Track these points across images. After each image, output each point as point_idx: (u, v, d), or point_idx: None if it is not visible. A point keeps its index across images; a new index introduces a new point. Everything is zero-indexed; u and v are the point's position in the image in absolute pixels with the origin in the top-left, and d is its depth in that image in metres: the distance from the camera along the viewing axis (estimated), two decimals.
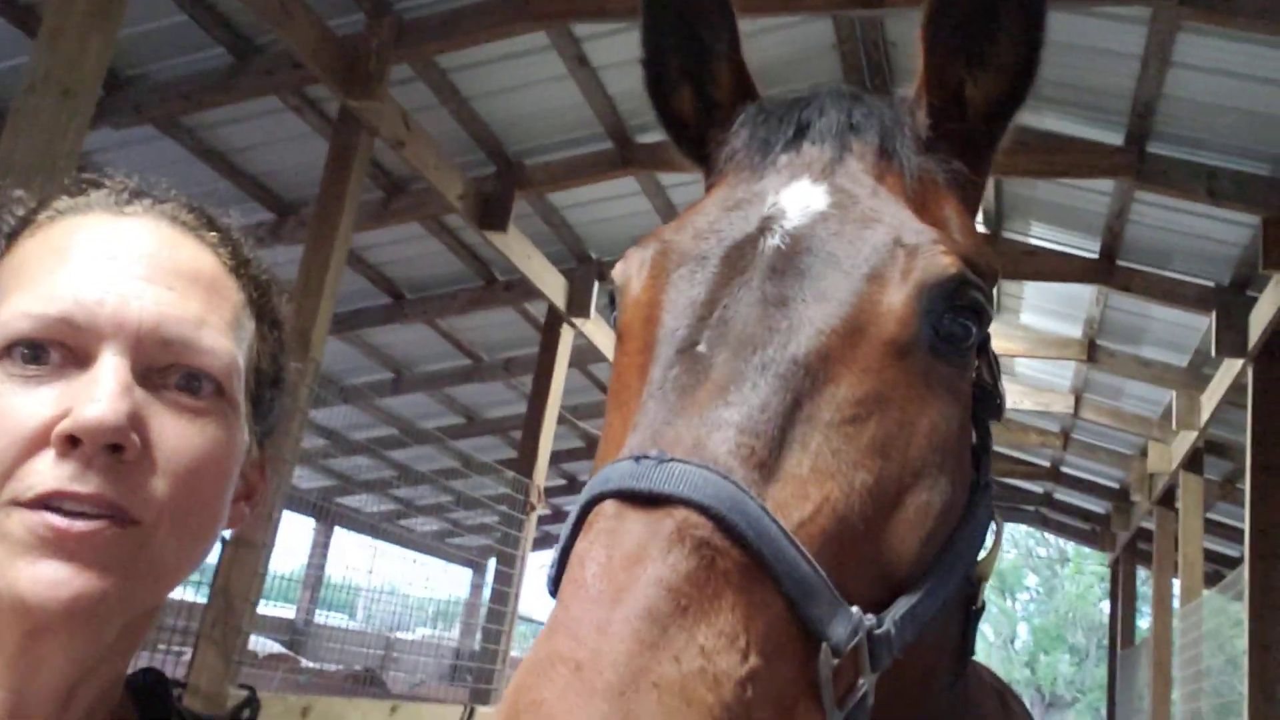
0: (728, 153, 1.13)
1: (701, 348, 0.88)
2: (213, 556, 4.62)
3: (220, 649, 4.44)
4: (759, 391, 0.83)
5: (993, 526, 1.04)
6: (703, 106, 1.22)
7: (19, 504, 0.77)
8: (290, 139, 6.55)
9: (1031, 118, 5.87)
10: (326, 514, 15.84)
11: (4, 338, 0.81)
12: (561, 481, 14.87)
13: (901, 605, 0.84)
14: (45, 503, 0.77)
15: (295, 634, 14.62)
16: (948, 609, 0.94)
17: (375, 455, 13.11)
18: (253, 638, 7.54)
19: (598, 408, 10.80)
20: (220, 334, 0.88)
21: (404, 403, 11.56)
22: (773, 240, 0.95)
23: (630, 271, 1.03)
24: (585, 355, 9.10)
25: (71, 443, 0.77)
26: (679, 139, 1.25)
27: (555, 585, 0.80)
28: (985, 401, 1.04)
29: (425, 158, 5.98)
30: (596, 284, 7.98)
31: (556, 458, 9.64)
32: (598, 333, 8.35)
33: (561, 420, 8.37)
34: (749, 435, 0.80)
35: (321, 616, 16.62)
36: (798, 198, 0.99)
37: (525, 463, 7.65)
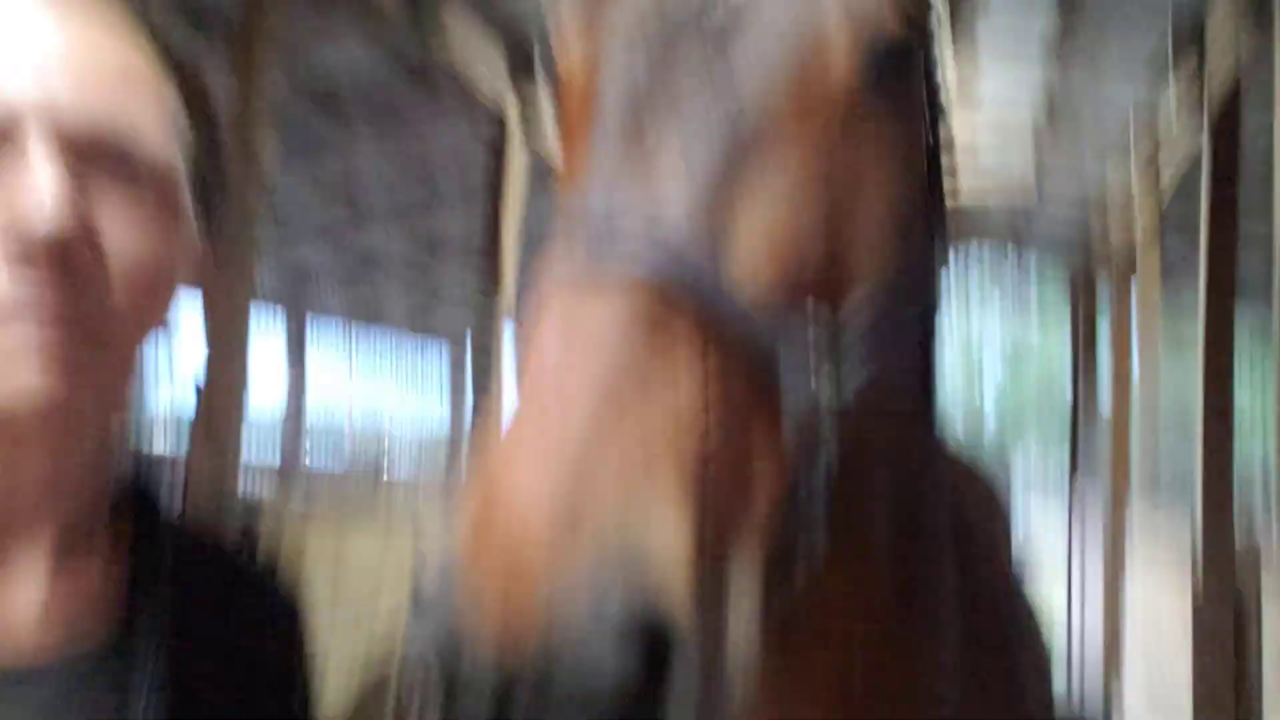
0: None
1: (644, 113, 0.87)
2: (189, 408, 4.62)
3: (212, 488, 4.51)
4: (708, 155, 0.83)
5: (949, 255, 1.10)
6: None
7: None
8: None
9: None
10: (299, 350, 15.82)
11: None
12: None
13: (857, 333, 0.87)
14: (5, 315, 0.77)
15: (283, 478, 14.88)
16: (906, 339, 0.98)
17: (339, 286, 13.00)
18: (241, 482, 7.68)
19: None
20: (152, 128, 0.87)
21: (364, 237, 11.36)
22: (712, 5, 0.92)
23: (565, 45, 1.00)
24: (542, 172, 8.91)
25: (21, 257, 0.77)
26: None
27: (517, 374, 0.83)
28: (933, 108, 1.07)
29: None
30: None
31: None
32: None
33: (522, 242, 8.27)
34: (699, 202, 0.81)
35: (308, 461, 16.91)
36: None
37: (490, 288, 7.60)
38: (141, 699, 0.82)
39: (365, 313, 14.58)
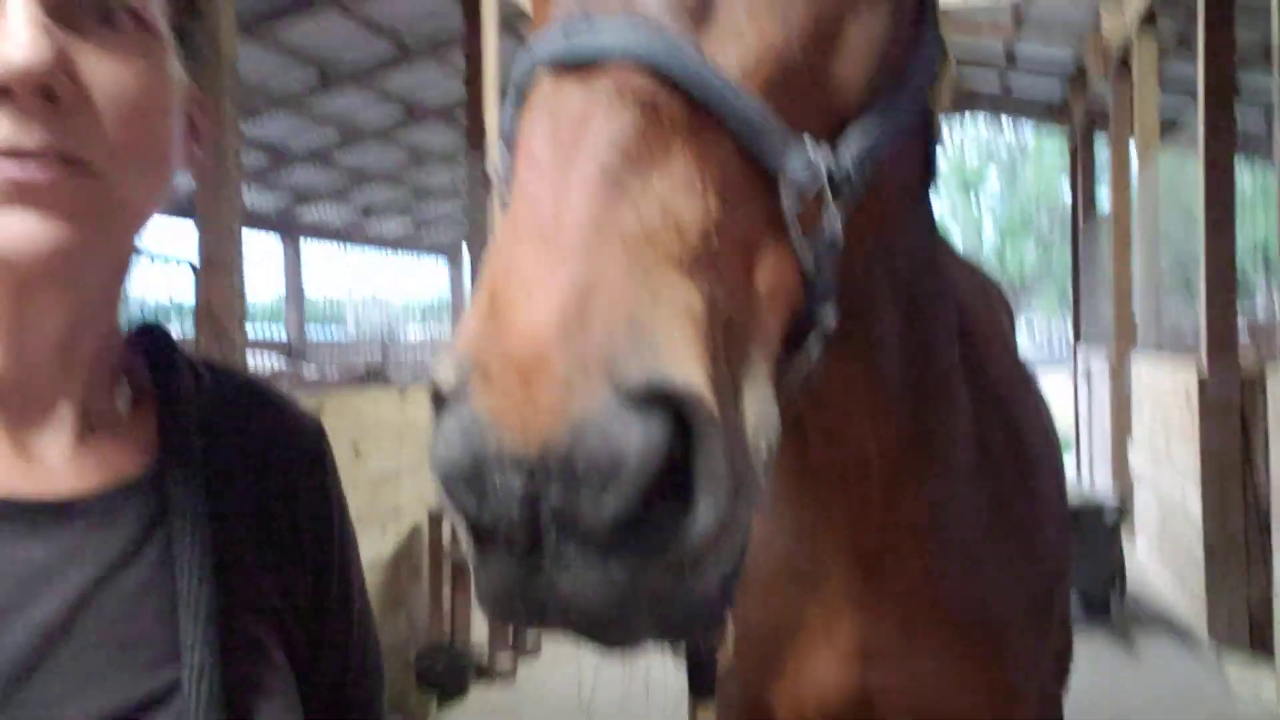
0: None
1: None
2: (188, 292, 4.59)
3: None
4: None
5: (940, 51, 1.02)
6: None
7: None
8: None
9: None
10: (291, 228, 15.75)
11: None
12: None
13: (854, 135, 0.84)
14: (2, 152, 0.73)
15: (291, 354, 15.02)
16: (903, 139, 0.94)
17: (324, 161, 12.82)
18: (250, 359, 7.75)
19: None
20: None
21: (338, 104, 11.09)
22: None
23: None
24: (515, 19, 8.58)
25: (4, 94, 0.72)
26: None
27: (507, 175, 0.79)
28: None
29: None
30: None
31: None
32: None
33: (502, 93, 8.04)
34: None
35: (314, 334, 17.03)
36: None
37: (475, 145, 7.46)
38: (180, 530, 0.83)
39: (352, 179, 14.36)
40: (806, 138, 0.79)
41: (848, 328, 0.91)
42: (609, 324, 0.62)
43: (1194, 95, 6.17)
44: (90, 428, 0.85)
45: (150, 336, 0.97)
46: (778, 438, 0.72)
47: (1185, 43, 9.69)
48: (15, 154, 0.73)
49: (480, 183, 7.26)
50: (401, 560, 5.63)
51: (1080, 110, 12.16)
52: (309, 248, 16.54)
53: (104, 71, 0.78)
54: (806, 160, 0.78)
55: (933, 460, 1.29)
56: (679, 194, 0.69)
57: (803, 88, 0.81)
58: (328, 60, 9.96)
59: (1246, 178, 14.02)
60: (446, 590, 5.80)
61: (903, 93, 0.92)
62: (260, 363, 8.80)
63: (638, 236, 0.66)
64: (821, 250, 0.81)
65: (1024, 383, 1.68)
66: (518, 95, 0.78)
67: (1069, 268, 13.44)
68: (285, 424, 1.00)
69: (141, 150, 0.82)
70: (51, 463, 0.83)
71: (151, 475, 0.86)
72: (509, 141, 0.79)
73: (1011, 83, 13.09)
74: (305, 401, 4.85)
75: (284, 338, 16.19)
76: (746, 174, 0.75)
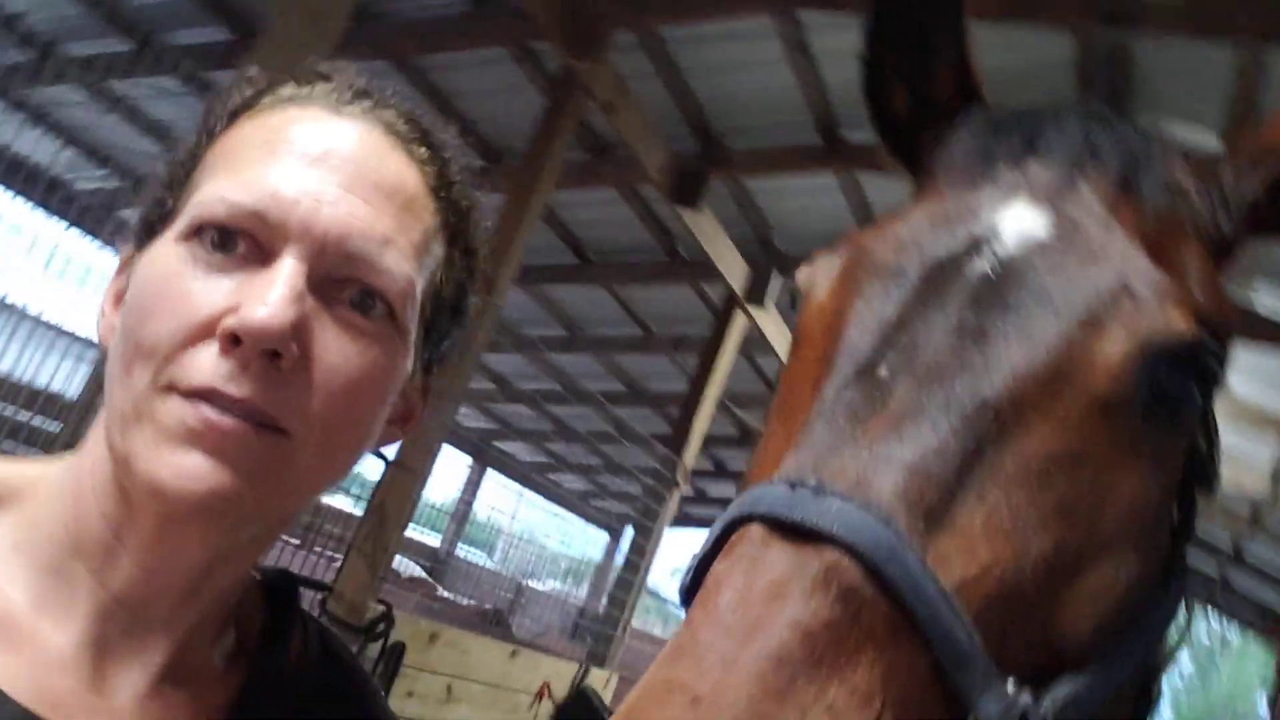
0: (943, 160, 1.03)
1: (882, 372, 0.80)
2: (375, 473, 4.88)
3: (368, 561, 4.68)
4: (939, 430, 0.74)
5: (1183, 612, 0.91)
6: (919, 107, 1.12)
7: (175, 390, 0.77)
8: (508, 90, 6.76)
9: None
10: (482, 454, 16.47)
11: (197, 219, 0.81)
12: (710, 465, 14.89)
13: (1065, 688, 0.74)
14: (199, 395, 0.76)
15: (437, 562, 15.27)
16: (1118, 697, 0.83)
17: (536, 406, 13.51)
18: (398, 558, 7.95)
19: (757, 398, 10.74)
20: (405, 256, 0.85)
21: (571, 361, 11.81)
22: (981, 265, 0.85)
23: (818, 275, 0.95)
24: (754, 344, 9.03)
25: (233, 341, 0.76)
26: (890, 139, 1.16)
27: (685, 597, 0.76)
28: (1197, 473, 0.92)
29: (633, 126, 6.05)
30: (776, 275, 7.91)
31: (709, 442, 9.64)
32: (769, 324, 8.27)
33: (720, 406, 8.36)
34: (920, 478, 0.72)
35: (463, 551, 17.32)
36: (1017, 221, 0.89)
37: (677, 440, 7.70)
38: None
39: (554, 430, 14.99)
40: (1011, 679, 0.71)
41: None
42: None
43: None
44: (175, 678, 0.82)
45: (277, 578, 0.95)
46: None
47: None
48: (218, 398, 0.76)
49: (668, 482, 7.41)
50: None
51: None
52: (492, 475, 17.16)
53: (335, 349, 0.81)
54: (1007, 704, 0.69)
55: None
56: (852, 707, 0.63)
57: (1023, 626, 0.73)
58: (577, 323, 10.74)
59: None
60: None
61: (1131, 649, 0.81)
62: (405, 566, 8.96)
63: None
64: None
65: None
66: (716, 538, 0.74)
67: None
68: (369, 710, 0.97)
69: (339, 430, 0.82)
70: (121, 704, 0.79)
71: None
72: (698, 568, 0.75)
73: (1231, 576, 12.29)
74: (426, 626, 4.87)
75: (436, 545, 16.56)
76: (932, 700, 0.67)
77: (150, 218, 0.86)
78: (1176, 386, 0.82)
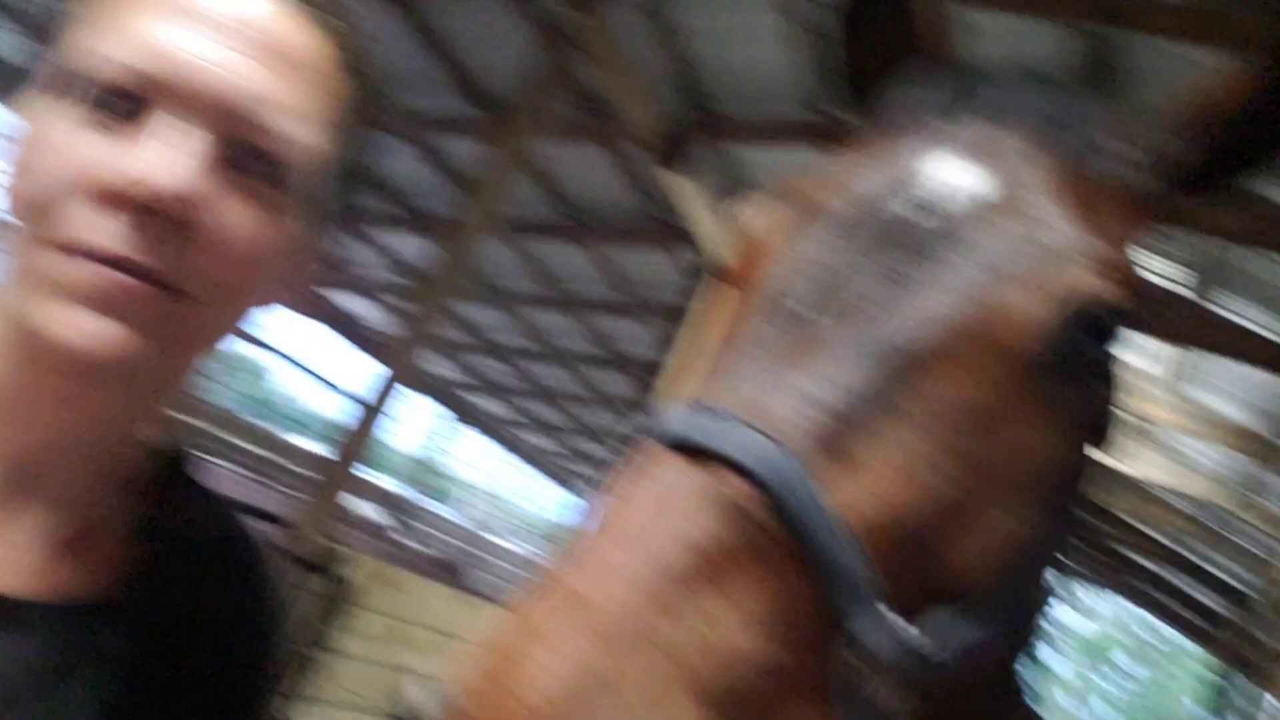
0: (898, 110, 1.05)
1: (803, 310, 0.82)
2: (337, 412, 4.84)
3: (322, 498, 4.68)
4: (850, 369, 0.77)
5: (1067, 561, 0.95)
6: (887, 58, 1.13)
7: (76, 251, 0.76)
8: (501, 37, 6.68)
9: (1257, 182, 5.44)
10: (451, 404, 16.43)
11: (89, 79, 0.79)
12: None
13: (945, 619, 0.77)
14: (106, 259, 0.76)
15: (394, 508, 15.28)
16: (1002, 644, 0.86)
17: (508, 361, 13.49)
18: (354, 499, 7.94)
19: None
20: (304, 124, 0.85)
21: (547, 319, 11.78)
22: (911, 215, 0.87)
23: (756, 216, 0.97)
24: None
25: (141, 208, 0.76)
26: (853, 86, 1.17)
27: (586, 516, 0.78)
28: (1097, 430, 0.95)
29: (625, 84, 6.00)
30: None
31: None
32: None
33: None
34: (824, 412, 0.74)
35: (423, 499, 17.34)
36: (959, 176, 0.91)
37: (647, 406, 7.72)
38: (102, 670, 0.80)
39: (527, 387, 14.99)
40: (895, 608, 0.73)
41: None
42: None
43: None
44: (69, 533, 0.84)
45: (172, 461, 0.96)
46: None
47: None
48: (126, 264, 0.76)
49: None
50: None
51: (1237, 645, 11.42)
52: (458, 426, 17.16)
53: (238, 216, 0.81)
54: (888, 632, 0.71)
55: None
56: (733, 621, 0.65)
57: (915, 563, 0.75)
58: (563, 282, 10.71)
59: None
60: None
61: (1019, 588, 0.85)
62: (363, 509, 8.97)
63: (669, 651, 0.62)
64: (864, 716, 0.72)
65: None
66: (630, 450, 0.77)
67: None
68: (263, 594, 0.99)
69: (239, 294, 0.85)
70: (19, 556, 0.81)
71: (104, 604, 0.84)
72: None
73: (1173, 579, 12.52)
74: (373, 564, 4.88)
75: (395, 491, 16.59)
76: (815, 624, 0.69)
77: (37, 70, 0.83)
78: (1089, 347, 0.85)
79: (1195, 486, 8.97)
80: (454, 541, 11.34)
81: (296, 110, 0.84)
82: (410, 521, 12.73)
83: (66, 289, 0.76)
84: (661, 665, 0.62)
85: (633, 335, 11.66)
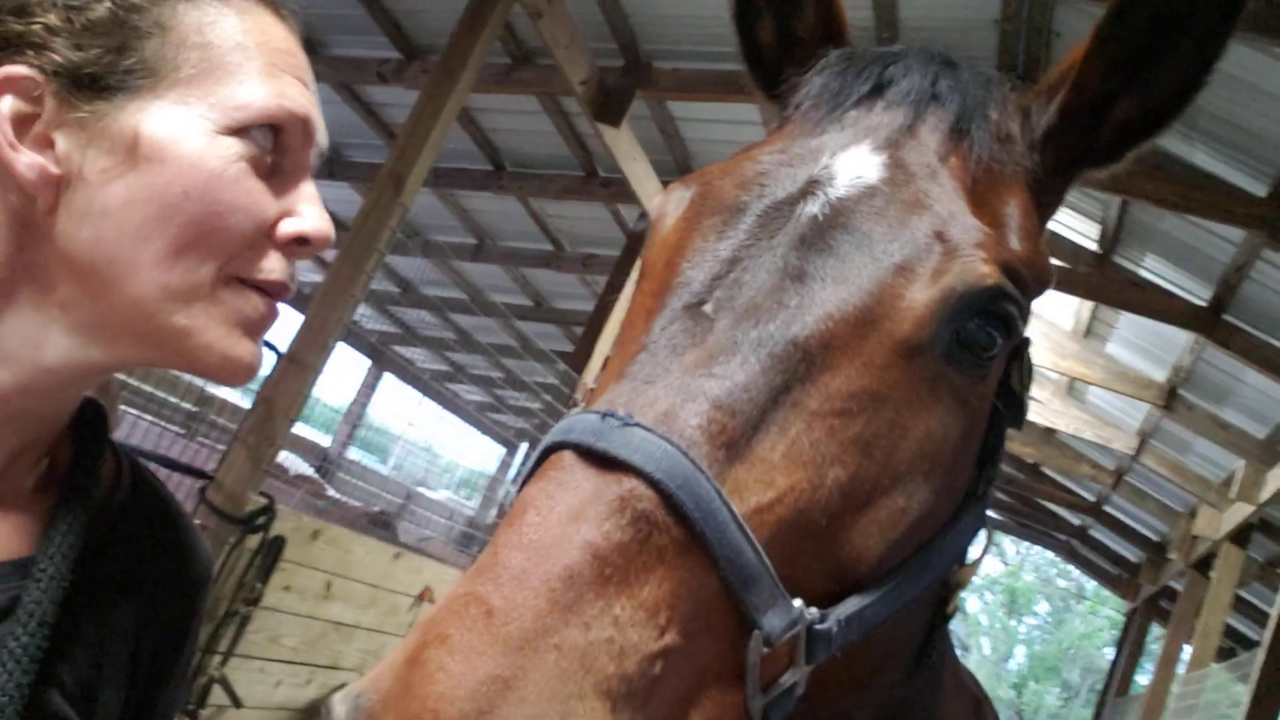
0: (797, 98, 1.08)
1: (707, 308, 0.85)
2: (266, 368, 4.77)
3: (252, 454, 4.60)
4: (748, 367, 0.80)
5: (981, 536, 1.00)
6: (785, 41, 1.16)
7: (244, 283, 0.88)
8: None
9: (1180, 148, 5.60)
10: (381, 357, 16.24)
11: (253, 117, 0.88)
12: None
13: (851, 605, 0.81)
14: (273, 290, 0.90)
15: (326, 462, 15.10)
16: (909, 612, 0.90)
17: (440, 314, 13.35)
18: (286, 455, 7.81)
19: None
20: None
21: (479, 271, 11.67)
22: (811, 207, 0.91)
23: (666, 208, 1.00)
24: None
25: (300, 244, 0.90)
26: (755, 71, 1.19)
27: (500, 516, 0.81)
28: (1009, 409, 0.99)
29: (558, 35, 5.90)
30: None
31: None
32: None
33: None
34: (724, 412, 0.78)
35: (355, 454, 17.17)
36: (851, 165, 0.94)
37: (579, 359, 7.71)
38: (18, 630, 0.82)
39: (458, 340, 14.86)
40: (797, 601, 0.77)
41: None
42: None
43: (1261, 624, 6.01)
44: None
45: (88, 418, 0.98)
46: None
47: (1271, 572, 9.56)
48: (286, 291, 0.90)
49: (566, 400, 7.43)
50: (314, 716, 5.36)
51: (1148, 588, 11.94)
52: (389, 380, 16.97)
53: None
54: (790, 618, 0.76)
55: None
56: (639, 622, 0.68)
57: (815, 548, 0.80)
58: (489, 234, 10.59)
59: None
60: None
61: (922, 570, 0.88)
62: (292, 463, 8.84)
63: (576, 652, 0.65)
64: (775, 701, 0.77)
65: None
66: (535, 464, 0.78)
67: None
68: (181, 552, 1.02)
69: None
70: None
71: (20, 564, 0.87)
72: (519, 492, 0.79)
73: (1091, 530, 13.01)
74: (309, 522, 4.84)
75: (327, 445, 16.38)
76: (720, 615, 0.73)
77: (93, 68, 0.85)
78: (979, 333, 0.89)
79: (1108, 439, 9.30)
80: (387, 496, 11.26)
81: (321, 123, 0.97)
82: (343, 476, 12.59)
83: (253, 321, 0.89)
84: (568, 668, 0.64)
85: (567, 289, 11.62)
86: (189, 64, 0.87)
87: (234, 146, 0.86)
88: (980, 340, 0.89)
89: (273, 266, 0.88)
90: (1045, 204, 1.06)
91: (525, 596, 0.65)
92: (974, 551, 0.99)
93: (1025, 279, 0.94)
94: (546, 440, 0.79)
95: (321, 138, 0.94)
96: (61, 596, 0.86)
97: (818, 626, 0.77)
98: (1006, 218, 0.97)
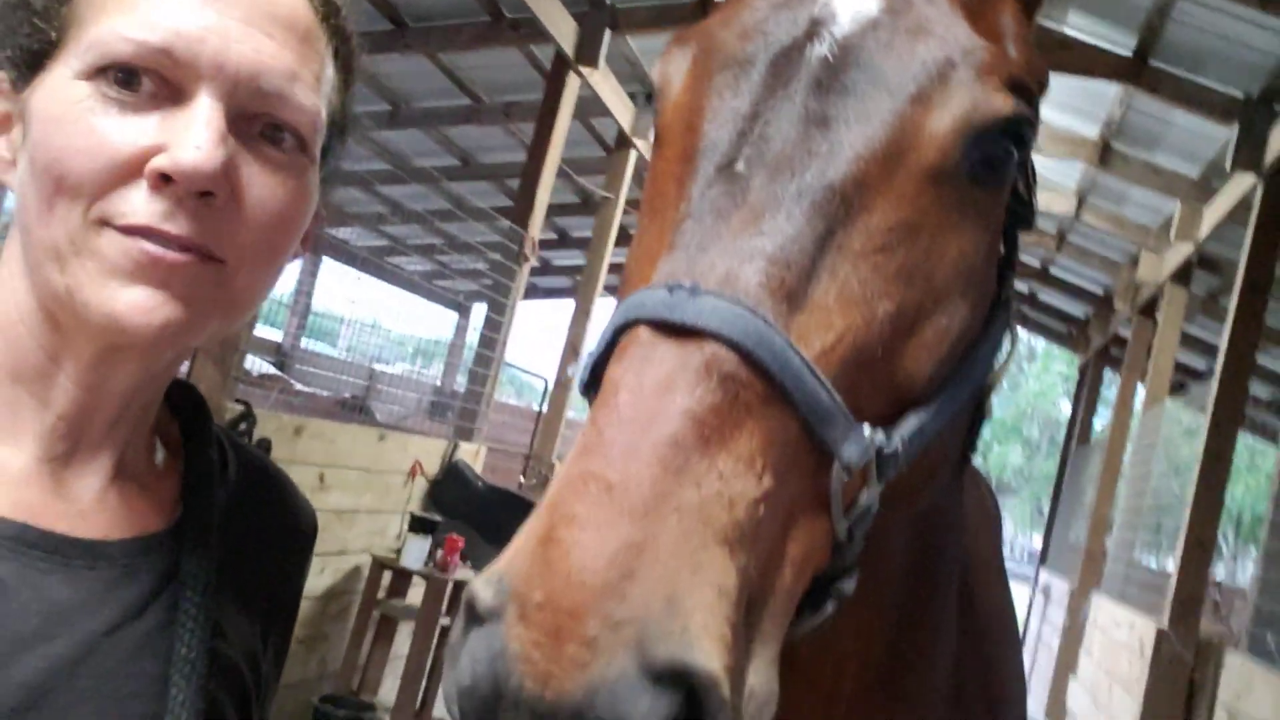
0: None
1: (740, 167, 0.87)
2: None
3: (217, 362, 4.55)
4: (793, 220, 0.84)
5: (1007, 338, 1.07)
6: None
7: (110, 226, 0.81)
8: None
9: None
10: (316, 241, 15.88)
11: (99, 58, 0.82)
12: (554, 235, 14.83)
13: (911, 423, 0.88)
14: (138, 232, 0.81)
15: (283, 357, 14.98)
16: (956, 419, 0.98)
17: (367, 188, 12.99)
18: (247, 357, 7.73)
19: (598, 163, 10.59)
20: (310, 89, 0.90)
21: (400, 138, 11.31)
22: (820, 49, 0.92)
23: (670, 71, 1.00)
24: (589, 107, 8.82)
25: (165, 181, 0.80)
26: None
27: (587, 391, 0.86)
28: (1018, 213, 1.05)
29: None
30: (609, 33, 7.63)
31: (551, 211, 9.52)
32: (604, 85, 8.06)
33: (560, 173, 8.21)
34: (780, 266, 0.82)
35: (307, 343, 17.01)
36: (850, 1, 0.95)
37: (520, 212, 7.59)
38: (187, 595, 0.87)
39: (391, 211, 14.54)
40: (865, 427, 0.83)
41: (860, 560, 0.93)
42: (649, 594, 0.66)
43: (1210, 356, 6.32)
44: (124, 478, 0.90)
45: (185, 397, 1.02)
46: (775, 707, 0.75)
47: (1214, 305, 9.97)
48: (158, 235, 0.81)
49: (516, 256, 7.36)
50: (331, 600, 5.52)
51: (1098, 339, 12.41)
52: (328, 264, 16.63)
53: (259, 184, 0.86)
54: (863, 445, 0.82)
55: (907, 691, 1.28)
56: (740, 473, 0.73)
57: (874, 376, 0.85)
58: (402, 97, 10.21)
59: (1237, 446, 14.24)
60: (367, 641, 5.67)
61: (965, 381, 0.95)
62: (255, 365, 8.76)
63: (694, 510, 0.70)
64: (856, 520, 0.85)
65: (1007, 616, 1.68)
66: (609, 341, 0.82)
67: (1049, 483, 13.54)
68: (289, 509, 1.09)
69: (269, 255, 0.90)
70: (84, 505, 0.87)
71: (170, 534, 0.90)
72: (594, 368, 0.84)
73: (1039, 295, 13.39)
74: (290, 420, 4.84)
75: (279, 340, 16.20)
76: (804, 454, 0.79)
77: (30, 47, 0.86)
78: (996, 150, 0.93)
79: (1054, 203, 9.45)
80: (351, 380, 11.25)
81: (299, 74, 0.89)
82: (303, 368, 12.52)
83: (127, 268, 0.80)
84: (689, 525, 0.69)
85: (493, 142, 11.31)
86: (80, 20, 0.85)
87: (81, 89, 0.82)
88: (998, 155, 0.93)
89: (133, 209, 0.80)
90: (1034, 8, 1.08)
91: (638, 467, 0.70)
92: (1001, 354, 1.05)
93: (1029, 86, 0.97)
94: (617, 318, 0.82)
95: (228, 58, 0.84)
96: (215, 560, 0.90)
97: (886, 449, 0.85)
98: (1003, 27, 0.99)
